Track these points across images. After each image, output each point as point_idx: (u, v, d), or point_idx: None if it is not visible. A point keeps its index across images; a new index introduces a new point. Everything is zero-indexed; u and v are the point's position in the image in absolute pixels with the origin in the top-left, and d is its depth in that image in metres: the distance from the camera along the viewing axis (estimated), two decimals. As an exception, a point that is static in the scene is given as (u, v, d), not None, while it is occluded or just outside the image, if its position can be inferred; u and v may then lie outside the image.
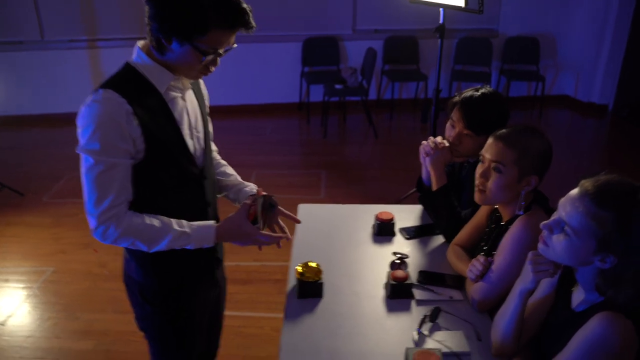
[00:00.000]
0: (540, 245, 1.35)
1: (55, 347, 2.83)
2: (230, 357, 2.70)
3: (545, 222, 1.32)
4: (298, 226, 2.22)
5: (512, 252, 1.61)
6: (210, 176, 1.68)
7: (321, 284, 1.77)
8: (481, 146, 1.99)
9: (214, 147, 1.85)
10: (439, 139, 2.09)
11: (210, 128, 1.74)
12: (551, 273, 1.36)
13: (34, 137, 5.98)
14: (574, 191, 1.29)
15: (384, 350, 1.55)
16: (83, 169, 1.39)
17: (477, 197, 1.73)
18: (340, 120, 6.38)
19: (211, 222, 1.56)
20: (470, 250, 1.93)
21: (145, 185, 1.47)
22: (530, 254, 1.38)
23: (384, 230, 2.15)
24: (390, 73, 6.43)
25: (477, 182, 1.71)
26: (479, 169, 1.72)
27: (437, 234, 2.16)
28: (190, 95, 1.59)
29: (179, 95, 1.52)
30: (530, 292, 1.42)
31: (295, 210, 2.33)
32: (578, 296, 1.38)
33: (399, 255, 1.96)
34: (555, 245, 1.30)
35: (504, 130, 1.68)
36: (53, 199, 4.49)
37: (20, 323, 3.03)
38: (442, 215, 2.07)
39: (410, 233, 2.16)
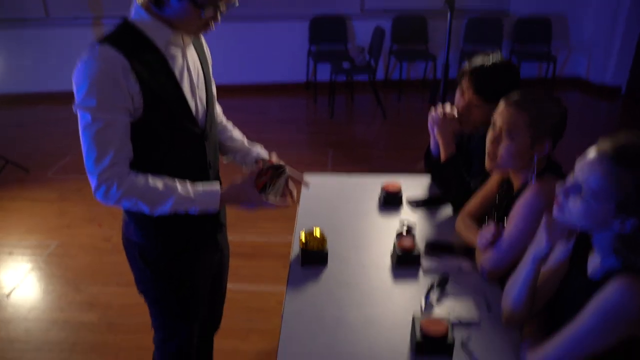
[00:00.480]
0: (555, 210, 1.29)
1: (59, 319, 2.81)
2: (236, 330, 2.68)
3: (561, 185, 1.27)
4: (303, 196, 2.19)
5: (524, 220, 1.56)
6: (212, 137, 1.63)
7: (326, 252, 1.73)
8: (490, 116, 1.94)
9: (219, 108, 1.80)
10: (447, 108, 2.04)
11: (214, 89, 1.69)
12: (567, 237, 1.31)
13: (38, 115, 5.96)
14: (592, 152, 1.23)
15: (390, 318, 1.51)
16: (81, 127, 1.36)
17: (487, 164, 1.68)
18: (348, 100, 6.31)
19: (216, 188, 1.52)
20: (480, 221, 1.88)
21: (144, 144, 1.43)
22: (544, 217, 1.33)
23: (390, 201, 2.11)
24: (399, 53, 6.35)
25: (488, 148, 1.66)
26: (489, 135, 1.66)
27: (445, 204, 2.11)
28: (192, 53, 1.54)
29: (179, 52, 1.48)
30: (544, 257, 1.37)
31: (300, 186, 2.29)
32: (594, 263, 1.33)
33: (405, 225, 1.92)
34: (572, 210, 1.24)
35: (516, 95, 1.62)
36: (58, 175, 4.47)
37: (24, 295, 3.02)
38: (450, 185, 2.02)
39: (418, 204, 2.12)
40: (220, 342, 2.31)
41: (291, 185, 1.69)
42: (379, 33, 5.82)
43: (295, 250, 1.80)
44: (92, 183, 1.39)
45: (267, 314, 2.83)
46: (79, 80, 1.32)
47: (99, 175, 1.37)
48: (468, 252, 1.79)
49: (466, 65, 1.99)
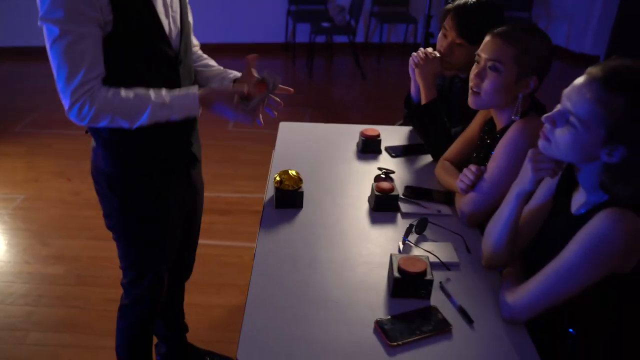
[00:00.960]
0: (541, 142, 1.23)
1: (24, 272, 2.71)
2: (209, 285, 2.62)
3: (547, 114, 1.21)
4: (278, 140, 2.11)
5: (507, 159, 1.51)
6: (186, 63, 1.54)
7: (301, 192, 1.66)
8: (473, 58, 1.88)
9: (195, 41, 1.72)
10: (429, 49, 1.97)
11: (190, 16, 1.59)
12: (553, 172, 1.25)
13: (6, 72, 5.71)
14: (580, 79, 1.17)
15: (367, 258, 1.46)
16: (48, 43, 1.26)
17: (470, 100, 1.61)
18: (327, 62, 6.19)
19: (193, 90, 1.44)
20: (461, 166, 1.83)
21: (115, 64, 1.35)
22: (530, 152, 1.27)
23: (369, 147, 2.04)
24: (379, 15, 6.22)
25: (471, 83, 1.58)
26: (474, 70, 1.58)
27: (425, 153, 2.06)
28: None
29: None
30: (528, 194, 1.32)
31: (276, 130, 2.21)
32: (578, 200, 1.29)
33: (384, 170, 1.86)
34: (559, 140, 1.18)
35: (502, 27, 1.55)
36: (27, 129, 4.29)
37: (-13, 248, 2.91)
38: (430, 131, 1.96)
39: (397, 151, 2.06)
40: (193, 297, 2.25)
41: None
42: (360, -8, 5.69)
43: (270, 193, 1.73)
44: (65, 103, 1.32)
45: (241, 268, 2.77)
46: None
47: (72, 94, 1.29)
48: (447, 198, 1.75)
49: (449, 4, 1.92)
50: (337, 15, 5.46)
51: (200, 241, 1.99)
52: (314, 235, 1.55)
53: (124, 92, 1.34)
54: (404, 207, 1.69)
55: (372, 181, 1.81)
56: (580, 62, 6.51)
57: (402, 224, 1.62)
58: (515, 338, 1.22)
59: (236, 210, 3.27)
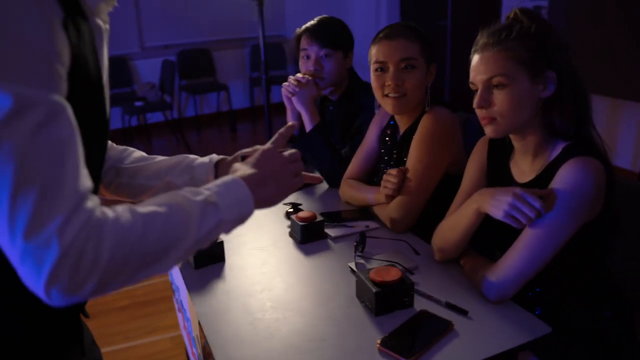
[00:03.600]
0: (488, 128, 1.22)
1: None
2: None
3: (477, 101, 1.20)
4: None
5: (427, 151, 1.49)
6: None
7: (221, 242, 1.44)
8: (343, 66, 1.91)
9: None
10: (298, 75, 1.92)
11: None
12: (527, 221, 1.13)
13: None
14: (477, 55, 1.21)
15: (328, 288, 1.29)
16: None
17: (393, 105, 1.56)
18: (146, 144, 5.87)
19: (230, 177, 0.88)
20: (367, 181, 1.77)
21: None
22: (518, 190, 1.14)
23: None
24: (189, 87, 6.14)
25: (391, 90, 1.54)
26: (387, 77, 1.54)
27: (318, 183, 1.96)
28: (106, 37, 0.91)
29: (104, 30, 0.88)
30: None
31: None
32: (522, 168, 1.29)
33: (291, 204, 1.72)
34: (502, 110, 1.18)
35: (388, 30, 1.57)
36: None
37: None
38: (323, 155, 1.88)
39: (291, 187, 1.93)
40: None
41: None
42: (168, 65, 5.57)
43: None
44: (33, 269, 0.65)
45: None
46: None
47: (55, 239, 0.65)
48: (363, 214, 1.66)
49: (298, 30, 1.98)
50: (148, 92, 5.23)
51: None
52: (249, 282, 1.33)
53: (141, 209, 0.75)
54: (331, 232, 1.56)
55: (284, 218, 1.67)
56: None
57: (337, 248, 1.49)
58: (510, 310, 1.17)
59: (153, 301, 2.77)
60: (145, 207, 0.75)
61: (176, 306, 1.74)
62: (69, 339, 0.92)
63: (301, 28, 1.97)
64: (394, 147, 1.66)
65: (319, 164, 1.91)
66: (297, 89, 1.88)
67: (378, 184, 1.61)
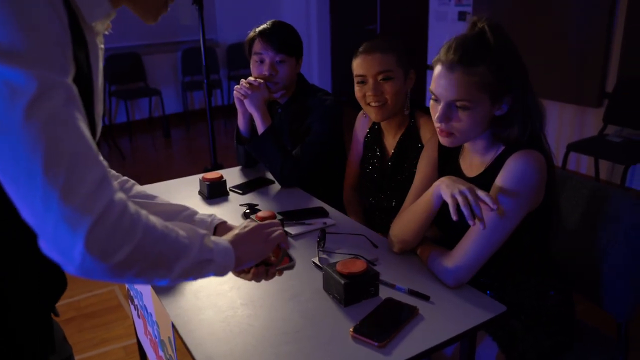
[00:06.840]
0: (444, 140, 1.31)
1: None
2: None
3: (438, 115, 1.28)
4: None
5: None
6: None
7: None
8: (295, 71, 1.97)
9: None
10: (250, 78, 1.95)
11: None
12: (467, 211, 1.19)
13: None
14: (440, 69, 1.27)
15: (294, 283, 1.33)
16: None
17: (376, 113, 1.69)
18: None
19: (223, 239, 1.00)
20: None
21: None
22: (476, 187, 1.21)
23: (215, 191, 1.90)
24: (119, 93, 5.98)
25: (372, 100, 1.67)
26: (367, 89, 1.67)
27: (270, 183, 2.00)
28: (101, 55, 0.96)
29: (98, 47, 0.91)
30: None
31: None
32: (471, 163, 1.39)
33: (248, 205, 1.75)
34: (461, 127, 1.27)
35: (366, 45, 1.69)
36: None
37: None
38: (276, 156, 1.92)
39: (243, 188, 1.96)
40: None
41: None
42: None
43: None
44: (67, 246, 0.69)
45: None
46: None
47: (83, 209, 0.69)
48: (321, 212, 1.72)
49: (250, 33, 1.99)
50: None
51: None
52: (224, 283, 1.35)
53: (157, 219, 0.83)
54: (291, 230, 1.60)
55: (242, 219, 1.69)
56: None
57: (298, 245, 1.54)
58: (468, 293, 1.26)
59: (99, 311, 2.68)
60: (159, 219, 0.83)
61: (134, 313, 1.73)
62: (40, 337, 0.94)
63: (254, 31, 1.97)
64: (375, 151, 1.80)
65: (271, 165, 1.95)
66: (249, 92, 1.90)
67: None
